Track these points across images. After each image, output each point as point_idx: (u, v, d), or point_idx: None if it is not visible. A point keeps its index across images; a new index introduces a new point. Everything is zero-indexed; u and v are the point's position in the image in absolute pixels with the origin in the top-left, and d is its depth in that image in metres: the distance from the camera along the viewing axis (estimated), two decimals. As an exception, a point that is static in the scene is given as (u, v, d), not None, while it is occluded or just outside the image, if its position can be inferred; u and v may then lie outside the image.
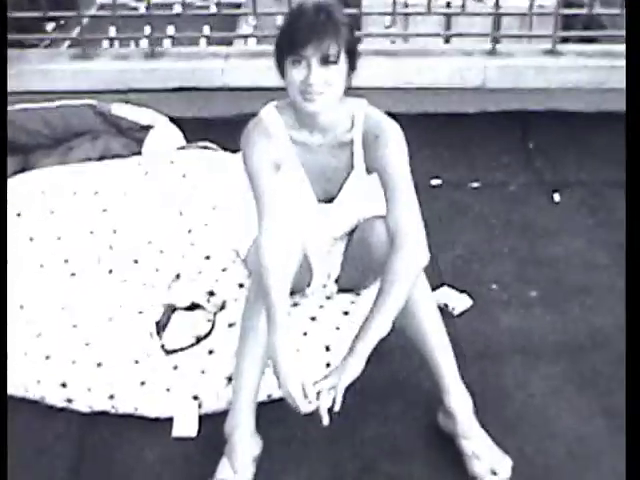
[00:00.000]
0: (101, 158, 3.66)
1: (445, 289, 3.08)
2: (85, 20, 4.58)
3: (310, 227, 2.64)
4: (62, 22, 6.39)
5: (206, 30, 5.92)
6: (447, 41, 5.00)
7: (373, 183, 2.48)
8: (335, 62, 2.28)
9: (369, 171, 2.51)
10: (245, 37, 5.69)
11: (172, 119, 3.87)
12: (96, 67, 4.08)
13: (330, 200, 2.60)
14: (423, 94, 4.10)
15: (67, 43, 5.76)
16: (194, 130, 3.87)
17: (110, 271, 3.05)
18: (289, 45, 2.30)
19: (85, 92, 3.95)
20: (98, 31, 4.96)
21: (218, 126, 3.98)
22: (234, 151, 3.47)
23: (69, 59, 4.16)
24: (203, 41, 5.43)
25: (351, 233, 2.72)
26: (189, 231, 3.23)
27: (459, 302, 3.03)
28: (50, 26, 5.65)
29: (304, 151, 2.51)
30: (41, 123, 3.80)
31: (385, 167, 2.40)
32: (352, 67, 2.37)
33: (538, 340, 2.89)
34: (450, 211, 3.65)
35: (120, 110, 3.83)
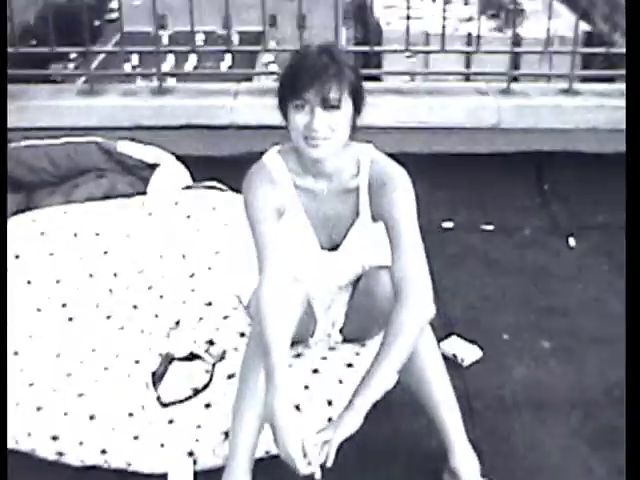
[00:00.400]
0: (105, 197, 3.60)
1: (454, 339, 2.97)
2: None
3: (314, 275, 2.56)
4: (75, 56, 6.35)
5: (227, 60, 5.85)
6: (467, 79, 4.91)
7: (379, 231, 2.41)
8: (338, 106, 2.22)
9: (375, 218, 2.44)
10: (259, 74, 5.60)
11: (179, 157, 3.81)
12: (102, 103, 4.03)
13: (334, 248, 2.52)
14: (436, 133, 4.02)
15: (82, 79, 5.68)
16: (201, 169, 3.81)
17: (108, 317, 2.96)
18: (291, 89, 2.25)
19: (91, 129, 3.89)
20: (116, 62, 4.91)
21: (226, 165, 3.90)
22: (240, 191, 3.40)
23: (76, 95, 4.10)
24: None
25: (356, 282, 2.62)
26: (191, 275, 3.15)
27: (468, 353, 2.93)
28: (56, 66, 5.59)
29: (308, 197, 2.44)
30: (46, 160, 3.75)
31: (391, 215, 2.33)
32: (357, 111, 2.31)
33: (551, 394, 2.78)
34: (461, 255, 3.56)
35: (125, 148, 3.78)
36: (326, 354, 2.71)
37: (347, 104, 2.25)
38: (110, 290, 3.09)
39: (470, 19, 28.21)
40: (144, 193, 3.64)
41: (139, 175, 3.75)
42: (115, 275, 3.15)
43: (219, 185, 3.68)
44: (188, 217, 3.40)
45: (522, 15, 24.27)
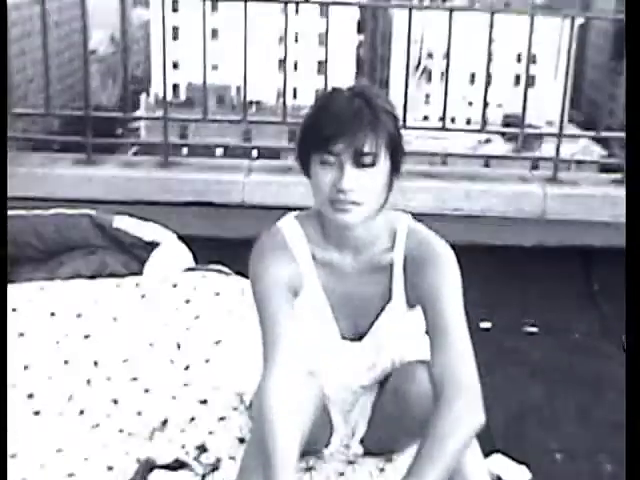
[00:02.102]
0: (94, 276, 3.16)
1: (498, 457, 2.59)
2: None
3: (331, 371, 2.13)
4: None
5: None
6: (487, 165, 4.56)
7: (415, 319, 2.03)
8: (373, 163, 1.83)
9: (411, 303, 2.03)
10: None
11: (181, 237, 3.41)
12: (99, 173, 3.63)
13: (359, 338, 2.09)
14: (473, 223, 3.63)
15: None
16: (206, 251, 3.41)
17: (82, 412, 2.49)
18: (316, 139, 1.85)
19: (86, 201, 3.50)
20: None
21: (234, 248, 3.44)
22: (248, 276, 2.98)
23: (71, 164, 3.72)
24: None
25: (383, 381, 2.18)
26: (186, 368, 2.71)
27: (516, 475, 2.54)
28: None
29: (329, 274, 2.03)
30: (31, 233, 3.35)
31: (433, 299, 1.93)
32: (395, 169, 1.90)
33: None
34: (502, 360, 3.18)
35: (123, 223, 3.37)
36: (344, 469, 2.25)
37: (384, 160, 1.86)
38: (88, 381, 2.63)
39: (488, 141, 28.49)
40: (139, 274, 3.20)
41: (135, 254, 3.33)
42: (95, 364, 2.69)
43: (225, 269, 3.27)
44: (187, 302, 2.99)
45: (540, 139, 24.39)
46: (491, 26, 3.71)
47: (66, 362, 2.69)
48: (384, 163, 1.85)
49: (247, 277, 3.07)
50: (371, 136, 1.81)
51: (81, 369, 2.67)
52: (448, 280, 1.96)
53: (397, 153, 1.88)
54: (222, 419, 2.43)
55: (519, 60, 47.93)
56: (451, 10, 3.66)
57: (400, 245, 2.00)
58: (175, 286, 3.05)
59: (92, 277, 3.15)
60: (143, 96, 44.62)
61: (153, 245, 3.34)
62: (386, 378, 2.16)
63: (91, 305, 2.91)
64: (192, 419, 2.44)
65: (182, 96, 45.12)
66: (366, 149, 1.81)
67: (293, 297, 1.99)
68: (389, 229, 2.01)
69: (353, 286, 2.02)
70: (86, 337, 2.79)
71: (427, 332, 1.94)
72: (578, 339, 3.32)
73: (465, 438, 1.78)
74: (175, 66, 41.72)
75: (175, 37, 42.17)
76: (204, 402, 2.51)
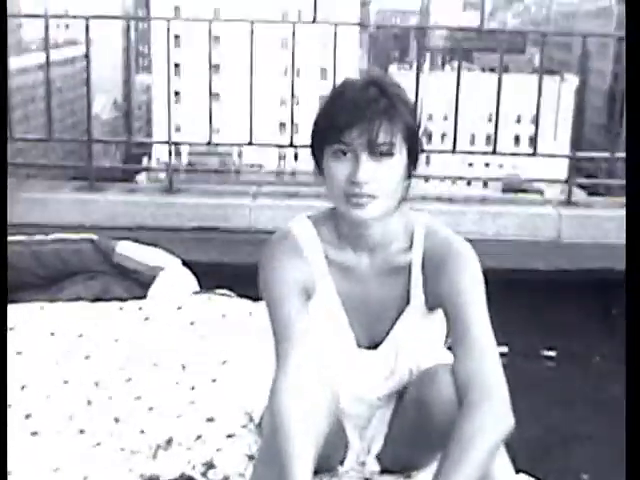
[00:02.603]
0: (96, 300, 3.03)
1: (522, 477, 2.34)
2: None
3: (346, 382, 1.96)
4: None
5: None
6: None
7: (435, 324, 1.91)
8: (390, 153, 1.71)
9: (431, 306, 1.89)
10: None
11: (185, 263, 3.26)
12: (102, 199, 3.52)
13: (375, 346, 1.95)
14: (486, 246, 3.47)
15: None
16: (211, 277, 3.29)
17: (81, 431, 2.34)
18: (329, 130, 1.73)
19: (88, 228, 3.37)
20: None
21: (240, 274, 3.31)
22: (256, 299, 2.85)
23: (73, 190, 3.61)
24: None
25: (401, 393, 2.01)
26: (192, 388, 2.55)
27: None
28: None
29: (344, 276, 1.89)
30: (32, 259, 3.25)
31: (454, 299, 1.81)
32: (413, 161, 1.78)
33: None
34: (520, 384, 2.92)
35: (125, 248, 3.26)
36: (360, 486, 2.06)
37: (401, 151, 1.74)
38: (88, 401, 2.48)
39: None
40: (142, 299, 3.08)
41: (138, 280, 3.22)
42: (96, 384, 2.55)
43: (230, 294, 3.15)
44: (192, 323, 2.86)
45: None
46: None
47: (66, 382, 2.55)
48: (401, 154, 1.74)
49: (254, 300, 3.00)
50: (386, 125, 1.71)
51: (81, 389, 2.53)
52: (470, 278, 1.84)
53: (414, 144, 1.77)
54: (230, 436, 2.28)
55: (519, 121, 48.34)
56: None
57: (418, 244, 1.88)
58: (180, 308, 2.94)
59: (94, 301, 3.04)
60: (145, 159, 44.84)
61: (157, 270, 3.23)
62: (404, 389, 2.01)
63: (92, 326, 2.79)
64: (199, 437, 2.28)
65: (184, 160, 45.41)
66: (382, 138, 1.70)
67: (306, 300, 1.87)
68: (406, 228, 1.89)
69: (369, 289, 1.90)
70: (87, 357, 2.66)
71: (448, 334, 1.83)
72: (599, 364, 3.17)
73: (493, 443, 1.64)
74: (177, 129, 42.00)
75: (177, 101, 42.58)
76: (211, 420, 2.36)
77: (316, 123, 1.80)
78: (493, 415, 1.66)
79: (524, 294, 3.50)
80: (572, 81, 46.28)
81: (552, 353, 3.22)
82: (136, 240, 3.32)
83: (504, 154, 3.58)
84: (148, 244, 3.31)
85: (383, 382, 2.02)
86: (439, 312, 1.90)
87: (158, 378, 2.58)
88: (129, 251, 3.26)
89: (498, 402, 1.68)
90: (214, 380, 2.59)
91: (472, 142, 42.01)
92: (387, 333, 1.93)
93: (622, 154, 3.62)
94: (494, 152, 3.78)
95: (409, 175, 1.80)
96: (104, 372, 2.59)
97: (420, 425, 1.88)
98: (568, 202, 3.60)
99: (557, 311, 3.45)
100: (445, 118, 40.80)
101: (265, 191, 3.68)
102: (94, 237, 3.27)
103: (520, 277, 3.48)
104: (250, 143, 3.54)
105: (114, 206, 3.53)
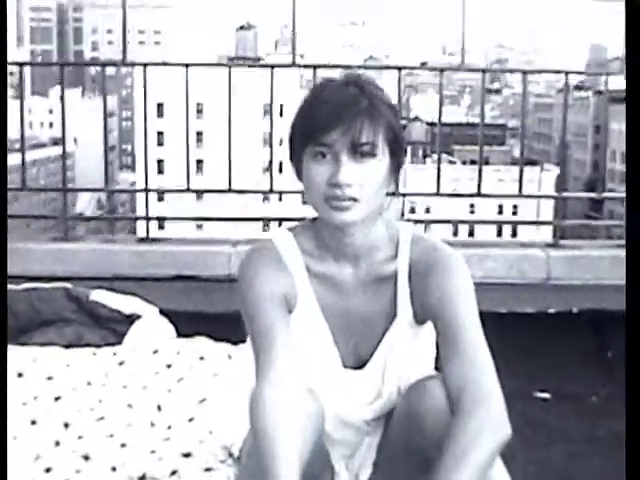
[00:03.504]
0: (69, 347, 2.90)
1: None
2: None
3: (331, 405, 1.81)
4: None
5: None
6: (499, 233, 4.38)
7: (424, 339, 1.80)
8: (373, 154, 1.63)
9: (420, 319, 1.78)
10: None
11: (163, 312, 3.14)
12: (76, 248, 3.40)
13: (361, 365, 1.82)
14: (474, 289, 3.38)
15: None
16: (189, 326, 3.15)
17: (48, 470, 2.19)
18: (307, 131, 1.66)
19: (62, 278, 3.24)
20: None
21: (219, 323, 3.22)
22: (235, 342, 2.75)
23: (48, 240, 3.50)
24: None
25: (388, 417, 1.86)
26: (168, 427, 2.41)
27: None
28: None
29: (326, 288, 1.78)
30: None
31: (443, 306, 1.70)
32: (397, 163, 1.70)
33: None
34: (515, 423, 2.81)
35: (100, 296, 3.14)
36: (347, 515, 1.91)
37: (384, 152, 1.66)
38: (57, 442, 2.33)
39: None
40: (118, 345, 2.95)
41: (114, 329, 3.08)
42: (66, 426, 2.40)
43: (209, 342, 3.01)
44: (169, 366, 2.74)
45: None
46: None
47: (33, 423, 2.41)
48: (383, 155, 1.66)
49: (234, 343, 2.88)
50: (368, 124, 1.63)
51: (49, 430, 2.38)
52: (459, 284, 1.74)
53: (397, 145, 1.69)
54: (208, 470, 2.14)
55: (500, 212, 48.67)
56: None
57: (404, 252, 1.78)
58: (156, 352, 2.81)
59: (67, 347, 2.90)
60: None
61: (133, 318, 3.10)
62: (392, 412, 1.89)
63: (63, 368, 2.65)
64: (173, 472, 2.14)
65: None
66: (363, 138, 1.62)
67: (288, 313, 1.76)
68: (391, 236, 1.79)
69: (353, 302, 1.78)
70: (56, 399, 2.52)
71: (438, 345, 1.71)
72: (597, 403, 3.04)
73: (489, 451, 1.52)
74: (161, 227, 42.09)
75: (160, 199, 42.85)
76: (187, 455, 2.22)
77: (294, 125, 1.71)
78: (490, 423, 1.55)
79: (514, 337, 3.35)
80: (552, 170, 46.98)
81: (546, 395, 3.08)
82: (112, 289, 3.20)
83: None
84: (125, 293, 3.20)
85: (369, 404, 1.88)
86: (428, 326, 1.79)
87: (132, 418, 2.44)
88: (104, 299, 3.13)
89: (494, 409, 1.57)
90: (191, 419, 2.44)
91: (455, 234, 42.27)
92: (374, 350, 1.81)
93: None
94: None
95: (393, 180, 1.72)
96: (74, 413, 2.45)
97: (412, 442, 1.72)
98: (556, 244, 3.51)
99: (548, 354, 3.33)
100: (427, 210, 41.16)
101: (245, 237, 3.58)
102: (67, 285, 3.16)
103: (509, 321, 3.37)
104: (229, 190, 3.45)
105: (90, 255, 3.41)
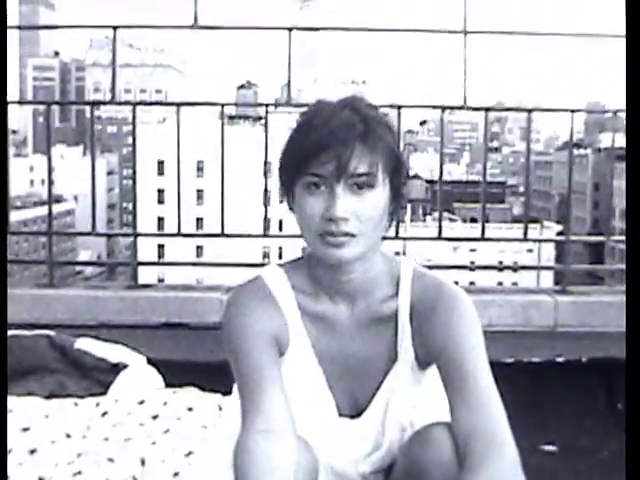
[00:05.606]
0: (50, 397, 2.74)
1: None
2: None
3: (324, 457, 1.68)
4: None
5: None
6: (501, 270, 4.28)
7: (429, 385, 1.67)
8: (371, 185, 1.51)
9: (422, 362, 1.65)
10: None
11: (151, 361, 2.99)
12: (62, 293, 3.26)
13: (358, 413, 1.69)
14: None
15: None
16: (178, 376, 3.00)
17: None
18: (299, 159, 1.53)
19: (46, 326, 3.10)
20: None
21: (210, 372, 3.06)
22: (225, 393, 2.59)
23: (32, 286, 3.36)
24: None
25: (390, 468, 1.71)
26: (151, 482, 2.23)
27: None
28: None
29: (320, 329, 1.66)
30: (-20, 360, 2.92)
31: (449, 348, 1.57)
32: (397, 194, 1.57)
33: None
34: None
35: (85, 344, 3.00)
36: None
37: (384, 182, 1.54)
38: (30, 497, 2.17)
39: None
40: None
41: (98, 379, 2.93)
42: (40, 480, 2.23)
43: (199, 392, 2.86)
44: (154, 417, 2.58)
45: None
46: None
47: (5, 478, 2.24)
48: (383, 185, 1.53)
49: (224, 394, 2.72)
50: (365, 152, 1.50)
51: (23, 484, 2.22)
52: (465, 324, 1.60)
53: (397, 173, 1.57)
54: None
55: (501, 270, 48.56)
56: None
57: (405, 290, 1.64)
58: (142, 403, 2.66)
59: (48, 397, 2.74)
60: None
61: (119, 368, 2.95)
62: (392, 465, 1.73)
63: (41, 419, 2.50)
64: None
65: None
66: (360, 168, 1.49)
67: (278, 355, 1.62)
68: (391, 273, 1.66)
69: (350, 344, 1.66)
70: (32, 452, 2.35)
71: (445, 389, 1.56)
72: (609, 458, 2.87)
73: None
74: (160, 280, 42.10)
75: (160, 255, 42.86)
76: (170, 509, 2.06)
77: (284, 152, 1.59)
78: (503, 474, 1.42)
79: (519, 388, 3.20)
80: (552, 228, 47.02)
81: (552, 448, 2.92)
82: (98, 337, 3.06)
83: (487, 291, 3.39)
84: (111, 341, 3.05)
85: (368, 456, 1.74)
86: (432, 369, 1.65)
87: (112, 472, 2.27)
88: (89, 347, 2.98)
89: (508, 458, 1.45)
90: (176, 474, 2.28)
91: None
92: (372, 396, 1.68)
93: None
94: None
95: (393, 210, 1.59)
96: (50, 467, 2.28)
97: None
98: (563, 290, 3.37)
99: (555, 406, 3.18)
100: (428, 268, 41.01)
101: (236, 283, 3.44)
102: (51, 333, 3.01)
103: (514, 370, 3.22)
104: (222, 234, 3.32)
105: (75, 302, 3.27)
